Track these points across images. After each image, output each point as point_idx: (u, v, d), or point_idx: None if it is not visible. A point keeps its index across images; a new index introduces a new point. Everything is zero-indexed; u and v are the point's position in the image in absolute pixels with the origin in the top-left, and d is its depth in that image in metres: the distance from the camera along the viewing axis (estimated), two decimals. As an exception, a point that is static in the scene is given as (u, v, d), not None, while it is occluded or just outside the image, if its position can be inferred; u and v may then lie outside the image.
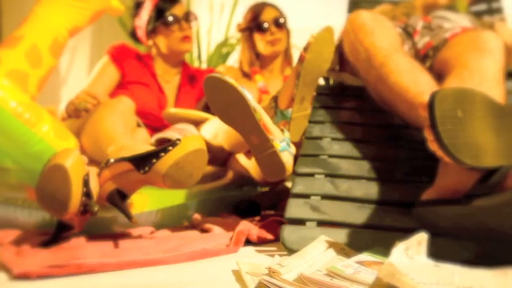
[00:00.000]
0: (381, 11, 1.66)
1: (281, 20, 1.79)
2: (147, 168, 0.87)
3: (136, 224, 1.00)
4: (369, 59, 1.03)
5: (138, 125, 1.35)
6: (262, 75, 1.89)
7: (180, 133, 1.41)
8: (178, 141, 0.89)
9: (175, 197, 1.19)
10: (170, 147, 0.87)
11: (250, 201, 1.27)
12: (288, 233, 0.81)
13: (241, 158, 1.37)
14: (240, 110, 0.94)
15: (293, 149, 1.01)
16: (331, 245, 0.74)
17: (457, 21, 1.50)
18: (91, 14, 1.12)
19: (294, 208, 0.85)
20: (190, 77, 1.79)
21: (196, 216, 1.15)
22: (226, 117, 0.99)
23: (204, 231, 1.05)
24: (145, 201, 1.13)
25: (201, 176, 0.94)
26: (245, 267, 0.67)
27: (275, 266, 0.60)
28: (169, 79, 1.77)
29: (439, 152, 0.68)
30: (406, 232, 0.78)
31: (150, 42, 1.75)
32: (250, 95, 0.96)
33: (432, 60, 1.19)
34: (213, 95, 0.99)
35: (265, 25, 1.76)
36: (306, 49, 1.04)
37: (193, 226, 1.11)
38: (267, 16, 1.78)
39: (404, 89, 0.93)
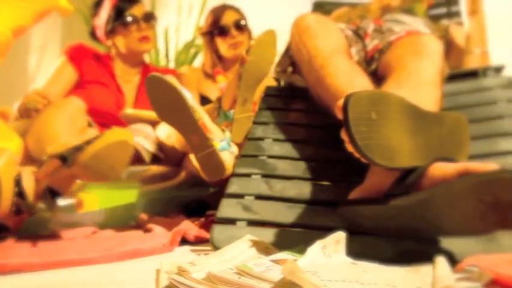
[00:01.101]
0: (338, 14, 1.69)
1: (242, 23, 1.80)
2: (71, 162, 0.88)
3: (79, 224, 1.01)
4: (310, 61, 1.05)
5: (90, 125, 1.35)
6: (225, 76, 1.90)
7: (134, 133, 1.41)
8: (101, 135, 0.89)
9: (124, 197, 1.20)
10: (93, 140, 0.88)
11: (200, 201, 1.28)
12: (218, 232, 0.83)
13: (194, 158, 1.38)
14: (179, 109, 0.95)
15: (235, 149, 1.03)
16: (255, 244, 0.75)
17: (413, 24, 1.53)
18: (35, 14, 1.12)
19: (226, 208, 0.87)
20: (150, 77, 1.79)
21: (143, 216, 1.16)
22: (166, 117, 1.00)
23: (148, 231, 1.05)
24: (93, 200, 1.13)
25: (124, 169, 0.95)
26: (166, 266, 0.67)
27: (185, 264, 0.61)
28: (129, 79, 1.77)
29: (355, 153, 0.69)
30: (333, 231, 0.80)
31: (109, 42, 1.75)
32: (189, 95, 0.97)
33: (378, 62, 1.21)
34: (154, 94, 1.00)
35: (226, 29, 1.77)
36: (247, 52, 1.05)
37: (139, 226, 1.12)
38: (228, 19, 1.78)
39: (340, 91, 0.95)
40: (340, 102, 0.68)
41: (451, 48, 1.64)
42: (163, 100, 0.98)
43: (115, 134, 0.92)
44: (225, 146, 0.97)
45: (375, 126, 0.68)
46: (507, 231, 0.76)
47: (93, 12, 1.77)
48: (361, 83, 0.96)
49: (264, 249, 0.75)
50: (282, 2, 2.50)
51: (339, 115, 0.68)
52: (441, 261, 0.66)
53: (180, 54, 2.41)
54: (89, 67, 1.68)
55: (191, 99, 0.97)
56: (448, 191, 0.67)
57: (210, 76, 1.89)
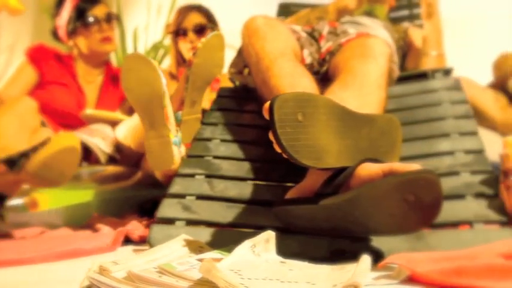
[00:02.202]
0: (298, 16, 1.71)
1: (203, 27, 1.79)
2: (18, 168, 0.88)
3: (31, 223, 1.01)
4: (257, 63, 1.06)
5: (43, 125, 1.35)
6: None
7: (91, 134, 1.41)
8: (48, 140, 0.90)
9: (78, 197, 1.20)
10: (39, 146, 0.88)
11: (155, 202, 1.28)
12: (156, 232, 0.83)
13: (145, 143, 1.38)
14: (152, 90, 0.95)
15: (183, 150, 1.03)
16: (188, 243, 0.76)
17: (371, 26, 1.56)
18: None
19: (166, 208, 0.87)
20: (113, 77, 1.80)
21: (95, 215, 1.16)
22: (135, 95, 0.98)
23: (96, 230, 1.06)
24: (46, 200, 1.13)
25: (73, 173, 0.95)
26: (95, 266, 0.68)
27: (107, 263, 0.62)
28: (92, 79, 1.77)
29: (283, 154, 0.71)
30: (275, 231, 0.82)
31: (71, 43, 1.74)
32: (165, 80, 0.97)
33: (328, 64, 1.23)
34: (130, 71, 0.98)
35: (186, 32, 1.77)
36: (194, 54, 1.06)
37: (89, 226, 1.12)
38: (189, 23, 1.78)
39: (282, 92, 0.96)
40: (267, 104, 0.69)
41: (410, 50, 1.67)
42: (139, 78, 0.96)
43: (61, 140, 0.93)
44: (176, 142, 0.98)
45: (301, 128, 0.69)
46: (433, 230, 0.78)
47: (55, 12, 1.76)
48: (304, 84, 0.98)
49: (197, 248, 0.76)
50: (251, 3, 2.51)
51: (266, 116, 0.70)
52: (365, 259, 0.68)
53: (148, 54, 2.41)
54: (49, 67, 1.67)
55: (165, 85, 0.98)
56: (373, 191, 0.69)
57: (175, 77, 1.90)
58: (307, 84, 0.98)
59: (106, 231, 1.00)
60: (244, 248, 0.70)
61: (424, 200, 0.68)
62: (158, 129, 0.97)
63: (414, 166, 0.70)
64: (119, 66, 2.32)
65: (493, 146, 1.53)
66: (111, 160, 1.43)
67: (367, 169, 0.73)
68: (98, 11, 1.72)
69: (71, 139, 0.94)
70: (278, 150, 0.71)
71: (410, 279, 0.64)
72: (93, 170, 1.37)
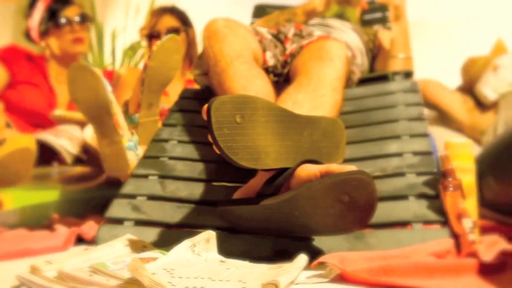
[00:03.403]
0: (268, 18, 1.72)
1: (175, 31, 1.80)
2: None
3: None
4: (215, 65, 1.08)
5: (8, 126, 1.35)
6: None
7: (57, 134, 1.42)
8: (4, 141, 0.90)
9: (41, 197, 1.21)
10: None
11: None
12: (103, 232, 0.84)
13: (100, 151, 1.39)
14: (97, 99, 0.97)
15: (140, 152, 1.04)
16: (132, 243, 0.77)
17: (340, 28, 1.58)
18: None
19: (116, 208, 0.88)
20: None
21: (55, 216, 1.17)
22: (83, 105, 1.00)
23: (53, 230, 1.06)
24: (9, 200, 1.14)
25: (29, 174, 0.96)
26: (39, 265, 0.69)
27: (40, 263, 0.63)
28: (64, 80, 1.77)
29: (221, 155, 0.72)
30: (217, 230, 0.83)
31: (43, 43, 1.75)
32: (110, 88, 0.98)
33: (289, 66, 1.25)
34: (75, 82, 1.00)
35: (159, 35, 1.78)
36: (149, 57, 1.07)
37: (48, 226, 1.13)
38: (162, 26, 1.79)
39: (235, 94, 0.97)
40: (205, 106, 0.71)
41: (379, 52, 1.69)
42: (84, 88, 0.98)
43: (16, 141, 0.94)
44: (131, 147, 0.99)
45: (239, 129, 0.71)
46: (373, 230, 0.80)
47: (28, 12, 1.77)
48: (257, 86, 0.99)
49: (140, 248, 0.77)
50: (227, 4, 2.53)
51: (205, 118, 0.71)
52: (301, 258, 0.69)
53: (126, 54, 2.42)
54: (20, 68, 1.68)
55: (110, 92, 0.99)
56: (309, 191, 0.70)
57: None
58: (260, 86, 0.99)
59: (62, 232, 1.01)
60: (183, 248, 0.71)
61: (358, 201, 0.69)
62: (110, 136, 0.98)
63: (349, 167, 0.71)
64: (98, 67, 2.33)
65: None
66: (79, 161, 1.43)
67: (306, 170, 0.74)
68: (70, 12, 1.73)
69: (26, 140, 0.95)
70: (217, 151, 0.72)
71: (341, 278, 0.66)
72: (63, 170, 1.38)
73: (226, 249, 0.77)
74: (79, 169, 1.40)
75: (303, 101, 0.99)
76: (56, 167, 1.38)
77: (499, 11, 2.46)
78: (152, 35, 1.83)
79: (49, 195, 1.23)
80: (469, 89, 1.79)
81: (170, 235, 0.84)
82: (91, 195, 1.33)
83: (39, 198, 1.20)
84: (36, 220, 1.18)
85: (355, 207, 0.70)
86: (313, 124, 0.81)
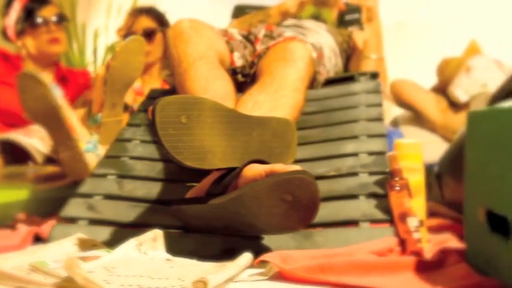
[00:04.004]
0: (242, 19, 1.74)
1: (151, 32, 1.81)
2: None
3: None
4: (178, 66, 1.09)
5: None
6: (141, 78, 1.92)
7: (28, 134, 1.42)
8: None
9: (6, 196, 1.21)
10: None
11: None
12: (57, 231, 0.85)
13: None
14: (47, 107, 0.98)
15: (102, 152, 1.05)
16: (82, 241, 0.78)
17: (314, 29, 1.59)
18: None
19: (71, 207, 0.89)
20: (62, 78, 1.81)
21: (20, 215, 1.18)
22: (34, 114, 1.01)
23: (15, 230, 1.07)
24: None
25: None
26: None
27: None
28: (40, 80, 1.78)
29: (166, 155, 0.73)
30: (168, 229, 0.84)
31: (19, 43, 1.75)
32: (59, 93, 0.99)
33: (256, 67, 1.26)
34: (24, 91, 1.01)
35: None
36: (112, 57, 1.08)
37: (12, 225, 1.13)
38: (137, 26, 1.80)
39: (194, 95, 0.98)
40: (151, 107, 0.72)
41: (353, 53, 1.70)
42: (33, 97, 0.99)
43: None
44: (90, 148, 1.00)
45: (185, 130, 0.72)
46: (322, 229, 0.81)
47: (4, 11, 1.77)
48: (217, 87, 1.00)
49: (90, 246, 0.78)
50: (207, 5, 2.53)
51: (150, 119, 0.72)
52: (244, 256, 0.71)
53: (107, 54, 2.42)
54: (-6, 67, 1.68)
55: (60, 98, 1.00)
56: (254, 190, 0.71)
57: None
58: (219, 86, 1.01)
59: (22, 231, 1.02)
60: (129, 246, 0.72)
61: (301, 200, 0.70)
62: (65, 142, 0.99)
63: (293, 167, 0.72)
64: (76, 67, 2.34)
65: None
66: (52, 160, 1.44)
67: (253, 170, 0.75)
68: (47, 12, 1.73)
69: None
70: (162, 151, 0.73)
71: (280, 276, 0.67)
72: (34, 169, 1.39)
73: (176, 248, 0.78)
74: (50, 168, 1.40)
75: (263, 101, 1.00)
76: (30, 166, 1.38)
77: (479, 12, 2.48)
78: (129, 36, 1.83)
79: (16, 194, 1.23)
80: (443, 89, 1.81)
81: (123, 234, 0.84)
82: (60, 195, 1.33)
83: (6, 198, 1.21)
84: (1, 219, 1.18)
85: (298, 207, 0.71)
86: (263, 125, 0.82)
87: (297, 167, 0.72)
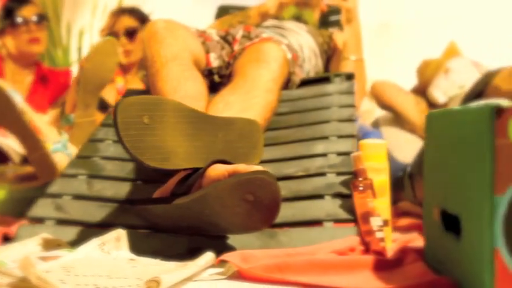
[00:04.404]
0: (222, 20, 1.74)
1: (133, 31, 1.81)
2: None
3: None
4: (151, 66, 1.09)
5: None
6: (124, 78, 1.92)
7: (5, 134, 1.42)
8: None
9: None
10: None
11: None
12: (23, 231, 0.86)
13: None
14: (8, 112, 0.98)
15: (72, 151, 1.05)
16: (46, 241, 0.78)
17: (294, 30, 1.60)
18: None
19: (39, 207, 0.90)
20: (43, 78, 1.81)
21: (-6, 215, 1.18)
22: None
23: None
24: None
25: None
26: None
27: None
28: (20, 79, 1.78)
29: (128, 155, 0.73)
30: (135, 229, 0.85)
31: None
32: (19, 98, 0.99)
33: (232, 68, 1.26)
34: None
35: (117, 36, 1.79)
36: (85, 59, 1.09)
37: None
38: (119, 26, 1.80)
39: (164, 96, 0.99)
40: (113, 107, 0.72)
41: (334, 54, 1.71)
42: None
43: None
44: (58, 148, 1.00)
45: (147, 130, 0.72)
46: (287, 229, 0.82)
47: (-16, 11, 1.77)
48: (187, 88, 1.00)
49: (55, 246, 0.78)
50: (191, 5, 2.54)
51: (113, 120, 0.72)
52: (206, 256, 0.71)
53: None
54: (-27, 67, 1.68)
55: (21, 102, 1.00)
56: (216, 190, 0.72)
57: (109, 78, 1.91)
58: (190, 87, 1.01)
59: (-6, 230, 1.02)
60: (91, 246, 0.73)
61: (263, 200, 0.71)
62: (32, 144, 0.99)
63: (255, 168, 0.73)
64: (60, 66, 2.33)
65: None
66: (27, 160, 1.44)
67: (216, 170, 0.76)
68: (27, 12, 1.73)
69: None
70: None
71: (239, 275, 0.68)
72: (11, 169, 1.38)
73: (141, 248, 0.79)
74: (28, 168, 1.40)
75: (234, 102, 1.01)
76: (9, 166, 1.38)
77: (460, 13, 2.50)
78: (111, 35, 1.83)
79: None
80: (422, 90, 1.82)
81: (90, 234, 0.84)
82: (35, 195, 1.33)
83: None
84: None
85: (260, 206, 0.72)
86: (229, 125, 0.83)
87: (259, 168, 0.73)
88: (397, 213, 1.28)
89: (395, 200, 1.46)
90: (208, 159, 0.78)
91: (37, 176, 1.40)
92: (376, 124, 1.95)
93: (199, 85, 1.04)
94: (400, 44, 2.69)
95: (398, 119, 1.83)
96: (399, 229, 1.08)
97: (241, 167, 0.74)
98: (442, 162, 0.64)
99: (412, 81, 2.09)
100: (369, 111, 2.24)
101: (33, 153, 0.99)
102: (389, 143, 1.77)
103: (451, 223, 0.62)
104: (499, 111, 0.52)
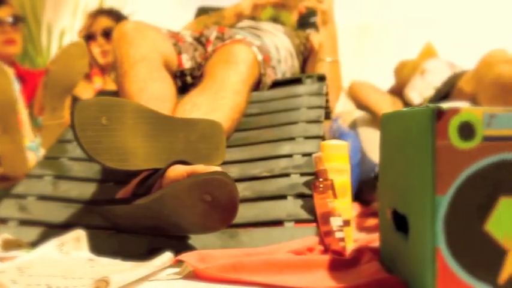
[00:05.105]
0: (197, 20, 1.75)
1: (110, 32, 1.81)
2: None
3: None
4: (119, 67, 1.09)
5: None
6: (102, 78, 1.92)
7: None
8: None
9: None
10: None
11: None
12: (-15, 231, 0.85)
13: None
14: (3, 97, 0.97)
15: (41, 154, 1.05)
16: (6, 242, 0.78)
17: (271, 31, 1.61)
18: None
19: (2, 208, 0.89)
20: (20, 78, 1.79)
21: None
22: None
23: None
24: None
25: None
26: None
27: None
28: (-4, 80, 1.76)
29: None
30: (98, 229, 0.85)
31: (-26, 43, 1.74)
32: (18, 87, 1.00)
33: (202, 69, 1.27)
34: None
35: (94, 36, 1.79)
36: (51, 62, 1.09)
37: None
38: (97, 27, 1.80)
39: (131, 96, 0.99)
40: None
41: (310, 55, 1.72)
42: None
43: None
44: (32, 147, 1.00)
45: (105, 131, 0.73)
46: (248, 229, 0.83)
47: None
48: (154, 89, 1.01)
49: (16, 247, 0.78)
50: (171, 7, 2.54)
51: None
52: (163, 256, 0.72)
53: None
54: None
55: (18, 91, 1.00)
56: (174, 191, 0.72)
57: (87, 76, 1.91)
58: (156, 88, 1.01)
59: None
60: (50, 247, 0.73)
61: (220, 200, 0.72)
62: (12, 135, 0.99)
63: (213, 168, 0.74)
64: (40, 67, 2.32)
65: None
66: None
67: (176, 170, 0.77)
68: (2, 13, 1.72)
69: None
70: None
71: (195, 275, 0.68)
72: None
73: (101, 248, 0.79)
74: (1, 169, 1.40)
75: (202, 103, 1.01)
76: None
77: (439, 14, 2.53)
78: (88, 36, 1.84)
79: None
80: (399, 91, 1.84)
81: (52, 235, 0.85)
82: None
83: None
84: None
85: (218, 207, 0.72)
86: (190, 126, 0.83)
87: (217, 168, 0.74)
88: (368, 213, 1.30)
89: (369, 201, 1.47)
90: (168, 160, 0.79)
91: (6, 177, 1.40)
92: (354, 125, 1.97)
93: (167, 86, 1.05)
94: (381, 45, 2.72)
95: (375, 120, 1.85)
96: (366, 229, 1.09)
97: (200, 168, 0.74)
98: (393, 163, 0.66)
99: (392, 82, 2.11)
100: (349, 112, 2.26)
101: (8, 144, 0.99)
102: (366, 143, 1.79)
103: (402, 223, 0.63)
104: (439, 113, 0.53)
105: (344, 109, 2.04)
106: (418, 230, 0.57)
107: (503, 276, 0.53)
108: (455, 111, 0.53)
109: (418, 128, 0.56)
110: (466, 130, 0.53)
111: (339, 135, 1.69)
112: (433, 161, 0.53)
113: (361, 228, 1.10)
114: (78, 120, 0.71)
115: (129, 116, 0.75)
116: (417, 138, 0.56)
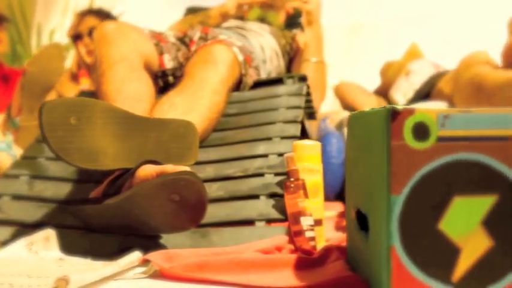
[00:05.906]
0: (183, 20, 1.75)
1: None
2: None
3: None
4: (99, 67, 1.10)
5: None
6: (90, 79, 1.92)
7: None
8: None
9: None
10: None
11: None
12: (-42, 231, 0.86)
13: None
14: None
15: (18, 153, 1.06)
16: (-23, 242, 0.79)
17: (256, 31, 1.61)
18: None
19: (-24, 208, 0.90)
20: (4, 77, 1.80)
21: None
22: None
23: None
24: None
25: None
26: None
27: None
28: (-18, 80, 1.77)
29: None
30: (71, 229, 0.85)
31: (-40, 43, 1.74)
32: None
33: (183, 69, 1.28)
34: None
35: (81, 36, 1.80)
36: (29, 63, 1.09)
37: None
38: (84, 27, 1.81)
39: (108, 97, 1.00)
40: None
41: (296, 55, 1.73)
42: None
43: None
44: (3, 147, 1.01)
45: (74, 131, 0.73)
46: (218, 228, 0.83)
47: None
48: (130, 89, 1.01)
49: (-13, 246, 0.79)
50: (161, 7, 2.54)
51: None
52: (131, 255, 0.72)
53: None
54: None
55: None
56: (143, 190, 0.73)
57: (75, 77, 1.91)
58: (133, 88, 1.02)
59: None
60: (19, 246, 0.73)
61: (188, 200, 0.72)
62: None
63: (182, 168, 0.74)
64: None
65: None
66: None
67: (146, 170, 0.77)
68: (-14, 13, 1.73)
69: None
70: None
71: (160, 274, 0.69)
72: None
73: (72, 248, 0.79)
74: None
75: (179, 103, 1.02)
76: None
77: (428, 14, 2.53)
78: (76, 36, 1.84)
79: None
80: (384, 92, 1.85)
81: (24, 234, 0.85)
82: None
83: None
84: None
85: (186, 206, 0.73)
86: (162, 126, 0.84)
87: (185, 168, 0.74)
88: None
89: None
90: (139, 160, 0.79)
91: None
92: (340, 125, 1.97)
93: (144, 86, 1.05)
94: (372, 44, 2.72)
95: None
96: (343, 229, 1.09)
97: (169, 168, 0.75)
98: (357, 163, 0.66)
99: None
100: (337, 112, 2.26)
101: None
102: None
103: (365, 223, 0.63)
104: (394, 114, 0.53)
105: (333, 109, 2.05)
106: (375, 229, 0.57)
107: (456, 275, 0.53)
108: (409, 112, 0.53)
109: (375, 129, 0.57)
110: (421, 131, 0.54)
111: (324, 135, 1.70)
112: (388, 161, 0.53)
113: (339, 228, 1.10)
114: (47, 121, 0.71)
115: (99, 115, 0.76)
116: (375, 138, 0.57)
